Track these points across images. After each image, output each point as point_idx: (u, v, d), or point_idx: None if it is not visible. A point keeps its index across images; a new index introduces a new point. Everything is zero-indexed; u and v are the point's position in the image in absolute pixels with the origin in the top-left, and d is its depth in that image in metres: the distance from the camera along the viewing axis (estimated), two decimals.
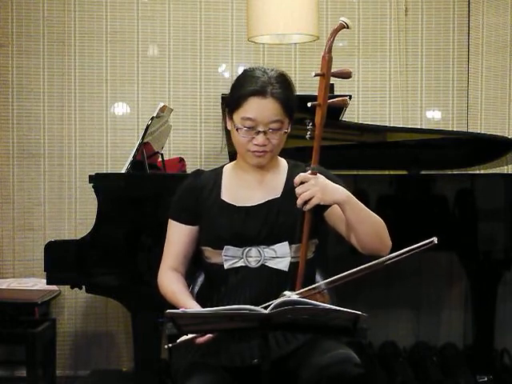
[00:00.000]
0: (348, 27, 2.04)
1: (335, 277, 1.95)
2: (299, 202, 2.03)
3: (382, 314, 4.09)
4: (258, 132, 2.10)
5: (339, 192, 2.05)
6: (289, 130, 2.16)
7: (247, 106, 2.10)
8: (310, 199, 2.02)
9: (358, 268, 1.90)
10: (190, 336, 1.99)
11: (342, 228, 2.14)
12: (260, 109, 2.09)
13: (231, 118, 2.15)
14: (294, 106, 2.16)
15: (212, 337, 2.00)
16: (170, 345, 2.02)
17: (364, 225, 2.07)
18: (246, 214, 2.15)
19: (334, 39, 2.04)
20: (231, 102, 2.15)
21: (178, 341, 2.01)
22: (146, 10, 4.14)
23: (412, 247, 1.87)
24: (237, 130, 2.12)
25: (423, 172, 3.54)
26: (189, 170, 3.78)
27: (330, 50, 2.04)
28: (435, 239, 1.84)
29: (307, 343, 2.06)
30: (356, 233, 2.09)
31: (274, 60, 4.15)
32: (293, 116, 2.17)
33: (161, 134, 3.54)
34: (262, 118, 2.09)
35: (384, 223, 2.12)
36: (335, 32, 2.05)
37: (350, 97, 3.06)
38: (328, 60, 2.03)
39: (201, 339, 2.00)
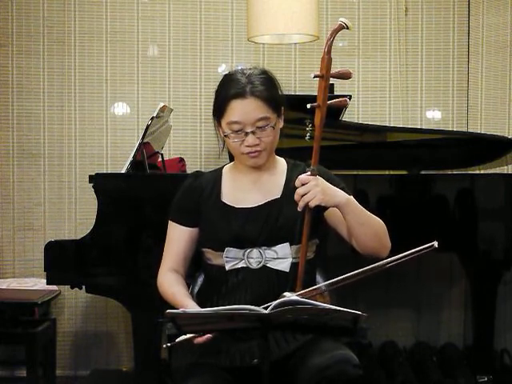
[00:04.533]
0: (347, 28, 2.03)
1: (335, 279, 1.95)
2: (301, 203, 2.02)
3: (382, 314, 4.09)
4: (247, 133, 2.10)
5: (340, 195, 2.05)
6: (281, 125, 2.16)
7: (230, 110, 2.10)
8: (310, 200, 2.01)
9: (358, 271, 1.90)
10: (188, 335, 1.99)
11: (342, 229, 2.15)
12: (242, 110, 2.09)
13: (220, 126, 2.16)
14: (280, 100, 2.15)
15: (211, 336, 2.00)
16: (169, 344, 2.02)
17: (364, 227, 2.07)
18: (246, 215, 2.14)
19: (333, 40, 2.03)
20: (216, 110, 2.16)
21: (177, 340, 2.00)
22: (146, 10, 4.13)
23: (412, 251, 1.87)
24: (226, 135, 2.12)
25: (423, 172, 3.54)
26: (189, 170, 3.78)
27: (329, 51, 2.02)
28: (435, 243, 1.84)
29: (306, 344, 2.06)
30: (356, 235, 2.09)
31: (274, 60, 4.15)
32: (281, 110, 2.16)
33: (161, 133, 3.54)
34: (247, 118, 2.09)
35: (384, 225, 2.12)
36: (334, 33, 2.03)
37: (350, 97, 3.07)
38: (327, 61, 2.02)
39: (200, 339, 2.00)
